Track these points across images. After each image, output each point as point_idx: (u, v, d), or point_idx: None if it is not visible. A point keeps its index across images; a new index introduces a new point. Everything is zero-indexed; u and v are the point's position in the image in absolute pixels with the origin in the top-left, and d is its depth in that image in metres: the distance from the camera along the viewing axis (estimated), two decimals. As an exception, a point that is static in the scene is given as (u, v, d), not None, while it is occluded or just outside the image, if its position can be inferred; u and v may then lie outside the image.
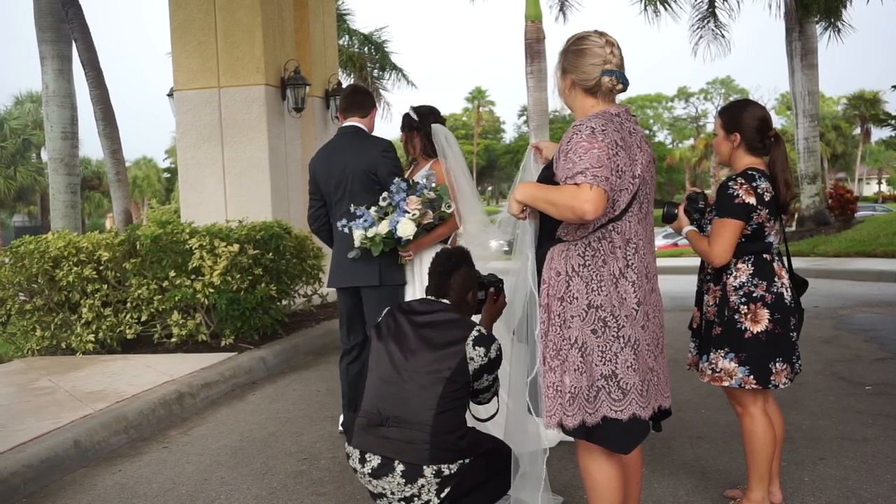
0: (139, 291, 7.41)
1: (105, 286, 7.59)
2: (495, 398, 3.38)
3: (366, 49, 23.31)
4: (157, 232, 7.40)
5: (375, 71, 23.10)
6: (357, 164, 4.69)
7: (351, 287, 4.78)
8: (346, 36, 22.26)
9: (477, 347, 3.10)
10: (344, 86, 13.02)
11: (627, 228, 2.77)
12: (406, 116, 4.86)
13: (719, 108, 3.60)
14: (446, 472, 3.01)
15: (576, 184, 2.61)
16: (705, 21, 19.27)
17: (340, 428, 5.10)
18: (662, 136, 70.01)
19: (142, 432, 5.32)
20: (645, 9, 18.65)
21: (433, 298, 3.36)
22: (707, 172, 61.35)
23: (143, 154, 63.26)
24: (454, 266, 3.41)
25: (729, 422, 4.89)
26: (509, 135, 72.68)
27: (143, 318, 7.53)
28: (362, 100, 4.92)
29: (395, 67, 23.56)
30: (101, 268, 7.56)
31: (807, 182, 19.36)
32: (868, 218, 20.51)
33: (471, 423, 3.33)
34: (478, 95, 70.55)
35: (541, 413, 2.85)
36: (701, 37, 19.39)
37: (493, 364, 3.17)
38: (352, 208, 4.61)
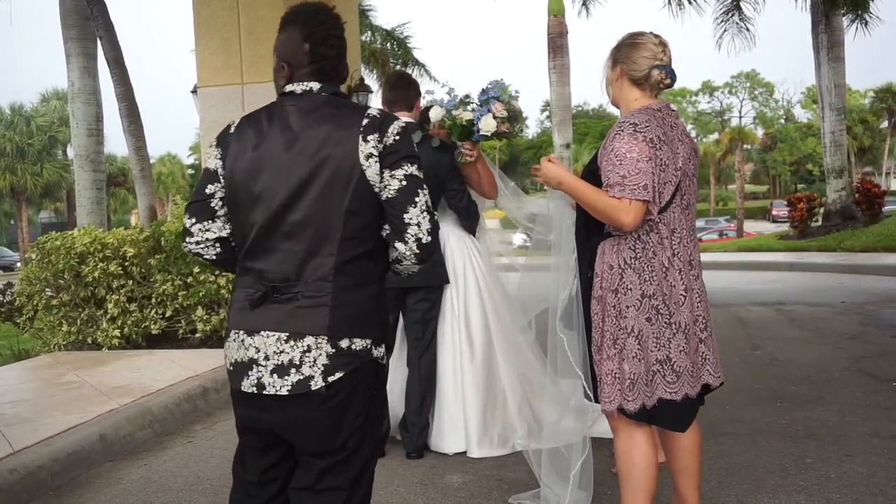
0: (164, 287, 7.46)
1: (130, 282, 7.66)
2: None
3: (388, 45, 23.32)
4: (181, 228, 7.43)
5: (398, 67, 23.07)
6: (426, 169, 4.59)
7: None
8: (369, 32, 22.27)
9: None
10: (366, 82, 13.04)
11: (672, 219, 2.89)
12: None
13: None
14: None
15: (615, 196, 2.79)
16: (730, 14, 19.10)
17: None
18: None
19: (167, 427, 5.36)
20: (669, 2, 18.51)
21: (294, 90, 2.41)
22: (732, 167, 60.86)
23: (167, 150, 63.42)
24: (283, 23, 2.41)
25: (754, 418, 4.86)
26: (532, 130, 72.45)
27: (168, 314, 7.58)
28: (406, 92, 4.78)
29: (417, 63, 23.53)
30: (126, 264, 7.63)
31: (833, 176, 19.14)
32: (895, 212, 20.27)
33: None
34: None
35: (597, 398, 2.98)
36: (725, 30, 19.22)
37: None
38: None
